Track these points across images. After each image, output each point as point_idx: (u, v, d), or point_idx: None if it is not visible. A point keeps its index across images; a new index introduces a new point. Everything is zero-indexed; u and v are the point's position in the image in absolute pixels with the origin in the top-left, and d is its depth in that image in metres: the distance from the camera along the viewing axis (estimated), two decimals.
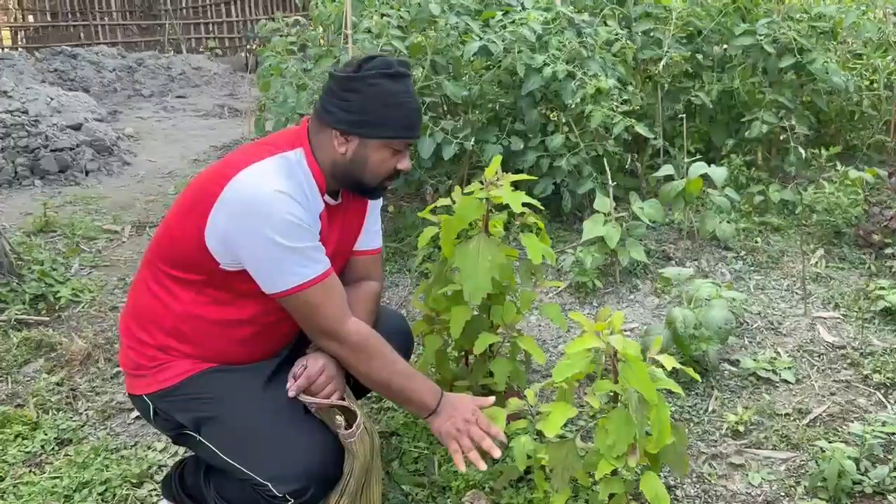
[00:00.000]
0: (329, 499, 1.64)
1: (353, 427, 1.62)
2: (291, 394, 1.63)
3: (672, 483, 2.03)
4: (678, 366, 1.62)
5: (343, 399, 1.67)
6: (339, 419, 1.63)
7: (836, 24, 4.06)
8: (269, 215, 1.53)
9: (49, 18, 11.09)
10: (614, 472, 1.65)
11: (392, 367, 1.68)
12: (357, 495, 1.68)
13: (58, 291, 3.21)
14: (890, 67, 4.25)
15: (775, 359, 2.58)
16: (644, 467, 1.67)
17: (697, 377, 1.73)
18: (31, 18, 11.11)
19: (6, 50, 10.05)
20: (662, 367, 1.61)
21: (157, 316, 1.66)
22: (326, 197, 1.70)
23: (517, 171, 3.19)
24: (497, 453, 1.64)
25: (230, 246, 1.57)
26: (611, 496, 1.68)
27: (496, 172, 1.95)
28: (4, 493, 2.05)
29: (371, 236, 1.90)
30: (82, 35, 11.09)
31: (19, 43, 10.78)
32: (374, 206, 1.90)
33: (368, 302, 1.83)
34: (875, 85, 4.35)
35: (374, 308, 1.85)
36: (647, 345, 1.87)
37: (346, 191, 1.76)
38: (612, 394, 1.64)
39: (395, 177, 1.72)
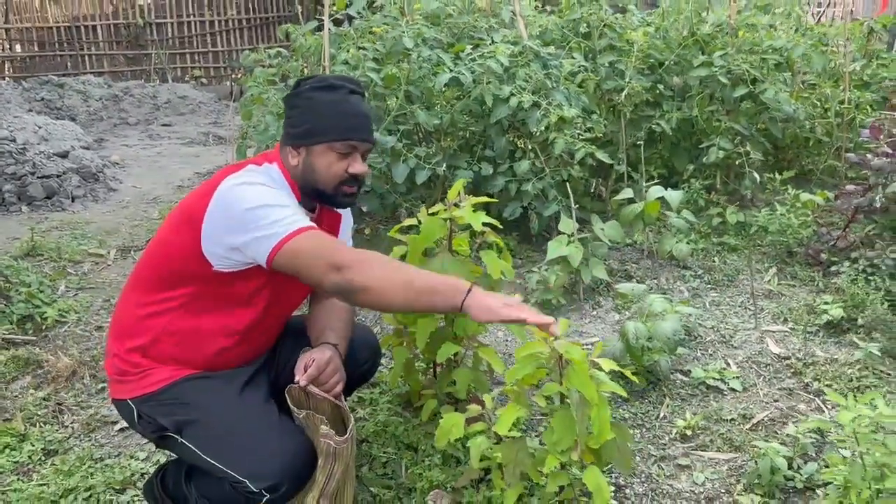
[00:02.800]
0: (308, 499, 1.75)
1: (347, 433, 1.73)
2: (303, 383, 1.75)
3: (622, 483, 2.18)
4: (618, 368, 1.79)
5: (342, 396, 1.83)
6: (325, 428, 1.72)
7: (789, 56, 4.32)
8: (248, 190, 1.66)
9: (36, 48, 11.25)
10: (562, 467, 1.80)
11: (406, 267, 1.64)
12: (334, 496, 1.81)
13: (45, 312, 3.33)
14: (840, 97, 4.51)
15: (725, 369, 2.75)
16: (591, 464, 1.82)
17: (639, 381, 1.89)
18: (18, 48, 11.26)
19: None
20: (602, 370, 1.77)
21: (143, 327, 1.79)
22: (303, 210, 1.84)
23: (488, 195, 3.37)
24: (560, 327, 1.58)
25: (222, 238, 1.66)
26: (561, 489, 1.83)
27: (459, 194, 2.12)
28: None
29: None
30: (69, 64, 11.24)
31: (7, 72, 10.93)
32: (346, 224, 2.03)
33: (343, 311, 1.97)
34: (828, 113, 4.60)
35: (350, 318, 1.99)
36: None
37: (320, 207, 1.90)
38: (559, 395, 1.80)
39: (351, 181, 1.80)
